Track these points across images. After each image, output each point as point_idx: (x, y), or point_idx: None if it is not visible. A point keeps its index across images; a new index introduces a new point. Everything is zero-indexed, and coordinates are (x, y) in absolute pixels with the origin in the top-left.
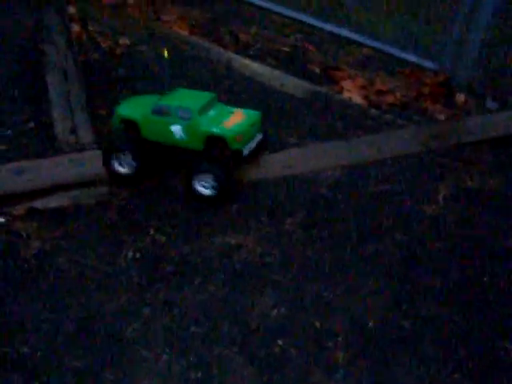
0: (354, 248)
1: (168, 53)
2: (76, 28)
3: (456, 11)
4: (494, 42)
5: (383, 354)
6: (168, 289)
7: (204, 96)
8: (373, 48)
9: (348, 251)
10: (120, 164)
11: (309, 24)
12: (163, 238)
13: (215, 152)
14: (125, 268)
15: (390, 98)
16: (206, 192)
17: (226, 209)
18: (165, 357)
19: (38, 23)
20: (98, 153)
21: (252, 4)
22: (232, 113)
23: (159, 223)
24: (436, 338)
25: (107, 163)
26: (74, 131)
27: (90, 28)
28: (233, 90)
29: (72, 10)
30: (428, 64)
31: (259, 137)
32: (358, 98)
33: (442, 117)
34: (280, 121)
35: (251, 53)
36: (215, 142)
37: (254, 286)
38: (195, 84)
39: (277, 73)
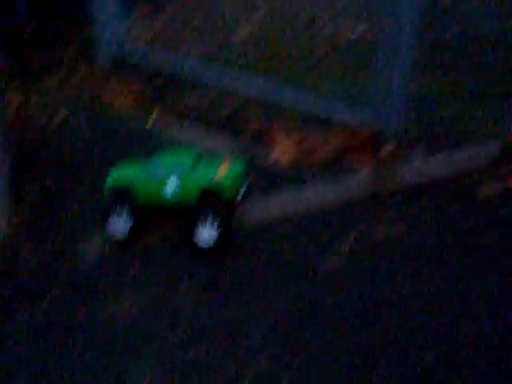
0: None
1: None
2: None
3: (380, 66)
4: (422, 92)
5: None
6: None
7: (189, 152)
8: (310, 108)
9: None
10: (114, 228)
11: (247, 87)
12: None
13: (212, 203)
14: None
15: (319, 154)
16: (206, 243)
17: None
18: None
19: None
20: None
21: (192, 77)
22: (218, 162)
23: None
24: None
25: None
26: None
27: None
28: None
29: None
30: (360, 118)
31: (247, 184)
32: (285, 157)
33: (366, 168)
34: None
35: (186, 120)
36: (209, 194)
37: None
38: (129, 154)
39: (208, 136)
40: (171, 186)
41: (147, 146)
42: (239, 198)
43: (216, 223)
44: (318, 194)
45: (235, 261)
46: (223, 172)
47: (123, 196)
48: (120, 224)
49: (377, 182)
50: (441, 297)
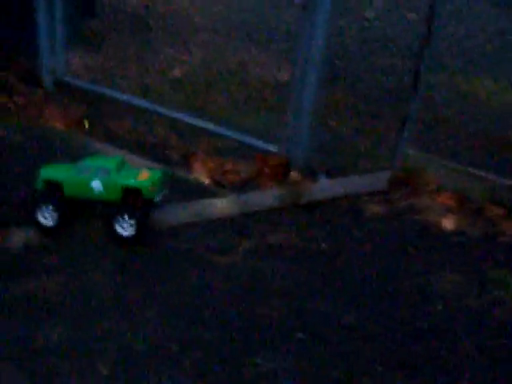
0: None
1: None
2: None
3: (287, 100)
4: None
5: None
6: None
7: (116, 159)
8: (230, 137)
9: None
10: (44, 217)
11: (176, 118)
12: None
13: (131, 200)
14: None
15: (232, 177)
16: (125, 233)
17: None
18: None
19: None
20: None
21: (126, 102)
22: (140, 171)
23: None
24: None
25: (34, 217)
26: None
27: None
28: None
29: None
30: (272, 148)
31: (166, 191)
32: (203, 177)
33: (273, 188)
34: None
35: (119, 143)
36: (130, 193)
37: None
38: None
39: (134, 158)
40: (96, 185)
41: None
42: (157, 199)
43: (134, 217)
44: (226, 205)
45: (147, 252)
46: (144, 176)
47: (53, 188)
48: (48, 213)
49: (280, 198)
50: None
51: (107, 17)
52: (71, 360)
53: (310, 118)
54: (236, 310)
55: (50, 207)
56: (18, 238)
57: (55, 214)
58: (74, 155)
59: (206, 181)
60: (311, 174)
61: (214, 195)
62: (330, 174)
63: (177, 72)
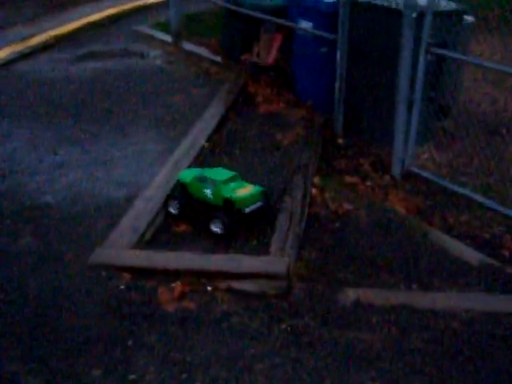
0: None
1: None
2: (314, 191)
3: None
4: None
5: None
6: None
7: (230, 173)
8: None
9: None
10: (171, 207)
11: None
12: None
13: (227, 208)
14: None
15: None
16: (217, 231)
17: None
18: None
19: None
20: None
21: (466, 196)
22: (244, 186)
23: None
24: None
25: (165, 207)
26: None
27: (326, 194)
28: None
29: (316, 180)
30: None
31: (259, 204)
32: None
33: None
34: None
35: (454, 234)
36: (228, 202)
37: None
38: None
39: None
40: (207, 192)
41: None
42: (246, 210)
43: (223, 220)
44: None
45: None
46: (243, 191)
47: (183, 187)
48: (174, 205)
49: None
50: None
51: (459, 119)
52: None
53: None
54: None
55: (176, 201)
56: (351, 294)
57: (178, 206)
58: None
59: None
60: None
61: None
62: None
63: None
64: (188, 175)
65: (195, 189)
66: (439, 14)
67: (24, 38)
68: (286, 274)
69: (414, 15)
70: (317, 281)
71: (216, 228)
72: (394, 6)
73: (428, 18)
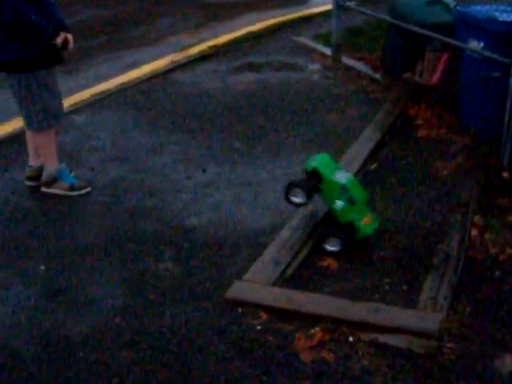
0: None
1: None
2: (474, 232)
3: None
4: None
5: None
6: None
7: (365, 193)
8: None
9: None
10: (295, 196)
11: None
12: None
13: (348, 229)
14: None
15: None
16: (332, 249)
17: None
18: None
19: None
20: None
21: None
22: (366, 213)
23: None
24: None
25: (287, 195)
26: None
27: (486, 236)
28: None
29: (476, 219)
30: None
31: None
32: None
33: None
34: None
35: None
36: (353, 228)
37: None
38: None
39: None
40: (338, 204)
41: None
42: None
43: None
44: None
45: None
46: (365, 221)
47: (315, 174)
48: (298, 193)
49: None
50: None
51: None
52: None
53: None
54: None
55: (299, 189)
56: (510, 362)
57: (304, 195)
58: None
59: None
60: None
61: None
62: None
63: None
64: (327, 166)
65: (327, 190)
66: None
67: (184, 47)
68: (439, 332)
69: None
70: (471, 341)
71: (328, 245)
72: None
73: None
